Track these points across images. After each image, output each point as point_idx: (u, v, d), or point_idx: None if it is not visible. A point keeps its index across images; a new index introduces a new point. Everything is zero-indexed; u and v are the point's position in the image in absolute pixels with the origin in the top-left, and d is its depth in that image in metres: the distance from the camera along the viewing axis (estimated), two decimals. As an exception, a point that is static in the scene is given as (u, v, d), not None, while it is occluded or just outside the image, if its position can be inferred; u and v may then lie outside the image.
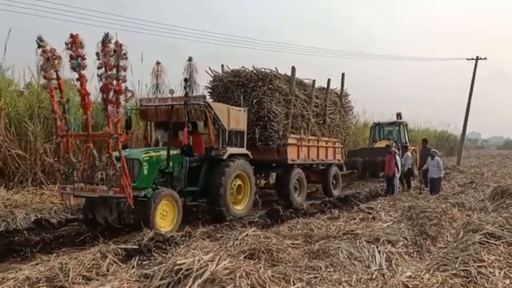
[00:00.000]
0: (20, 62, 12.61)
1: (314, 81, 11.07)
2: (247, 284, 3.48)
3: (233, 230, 6.32)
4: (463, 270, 4.34)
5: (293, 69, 10.18)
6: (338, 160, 12.47)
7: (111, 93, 5.99)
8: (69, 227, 7.31)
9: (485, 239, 5.12)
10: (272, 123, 9.58)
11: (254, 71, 9.92)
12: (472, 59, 25.27)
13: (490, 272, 4.35)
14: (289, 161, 10.05)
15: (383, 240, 5.38)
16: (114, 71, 5.94)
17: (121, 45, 5.94)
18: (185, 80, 8.33)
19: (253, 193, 8.80)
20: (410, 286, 3.95)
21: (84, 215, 7.36)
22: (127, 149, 7.43)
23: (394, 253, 5.08)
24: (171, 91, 8.67)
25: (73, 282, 4.20)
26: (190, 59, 9.42)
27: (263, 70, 9.89)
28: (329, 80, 11.87)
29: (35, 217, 7.67)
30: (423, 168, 11.88)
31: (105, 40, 5.85)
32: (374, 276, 4.22)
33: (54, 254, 5.01)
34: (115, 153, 6.20)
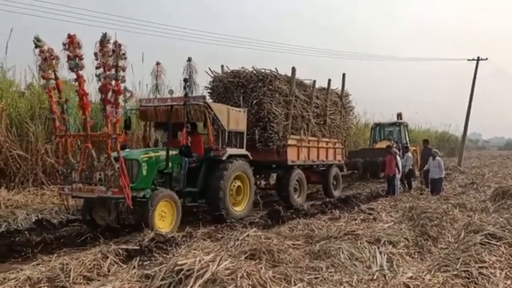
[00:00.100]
0: (21, 62, 12.64)
1: (314, 81, 11.04)
2: (248, 284, 3.48)
3: (234, 230, 6.31)
4: (464, 271, 4.34)
5: (293, 69, 10.15)
6: (339, 161, 12.43)
7: (110, 93, 5.96)
8: (70, 227, 7.32)
9: (486, 240, 5.12)
10: (272, 124, 9.54)
11: (254, 71, 9.89)
12: (473, 59, 25.27)
13: (491, 273, 4.35)
14: (289, 162, 10.01)
15: (384, 241, 5.38)
16: (113, 71, 5.92)
17: (120, 45, 5.92)
18: (185, 80, 8.28)
19: (252, 194, 8.76)
20: (411, 286, 3.94)
21: (82, 216, 7.34)
22: (126, 150, 7.42)
23: (395, 254, 5.08)
24: (171, 92, 8.65)
25: (74, 283, 4.21)
26: (189, 60, 9.39)
27: (263, 70, 9.86)
28: (329, 80, 11.83)
29: (36, 218, 7.67)
30: (424, 168, 11.88)
31: (103, 40, 5.83)
32: (375, 277, 4.22)
33: (55, 255, 5.02)
34: (114, 154, 6.17)
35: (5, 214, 7.75)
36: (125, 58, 5.99)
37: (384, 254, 4.94)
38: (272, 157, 9.78)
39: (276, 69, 9.99)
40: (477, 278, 4.24)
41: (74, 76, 6.22)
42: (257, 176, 9.98)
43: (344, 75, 12.57)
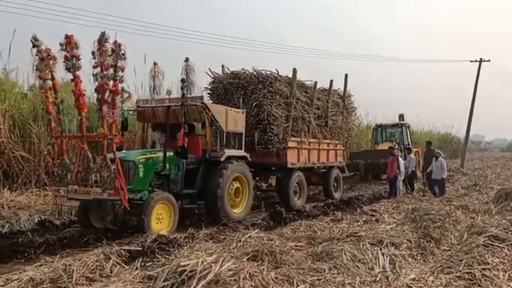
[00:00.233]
0: (24, 64, 12.68)
1: (315, 82, 10.96)
2: (251, 285, 3.48)
3: (236, 232, 6.31)
4: (467, 273, 4.33)
5: (294, 71, 10.05)
6: (340, 163, 12.37)
7: (107, 94, 5.91)
8: (73, 228, 7.33)
9: (489, 242, 5.11)
10: (272, 127, 9.47)
11: (254, 73, 9.83)
12: (476, 61, 25.21)
13: (494, 274, 4.34)
14: (289, 165, 9.91)
15: (387, 243, 5.37)
16: (111, 71, 5.87)
17: (119, 45, 5.88)
18: (182, 81, 8.12)
19: (251, 196, 8.66)
20: (414, 288, 3.94)
21: (78, 218, 7.29)
22: (123, 151, 7.38)
23: (397, 256, 5.08)
24: (168, 92, 8.60)
25: (77, 283, 4.21)
26: (187, 60, 9.35)
27: (263, 72, 9.79)
28: (331, 81, 11.77)
29: (39, 219, 7.69)
30: (427, 170, 11.84)
31: (102, 39, 5.78)
32: (378, 279, 4.21)
33: (58, 256, 5.03)
34: (110, 155, 6.11)
35: (8, 215, 7.78)
36: (125, 59, 5.95)
37: (387, 256, 4.94)
38: (272, 159, 9.72)
39: (277, 70, 9.93)
40: (480, 280, 4.24)
41: (70, 76, 6.15)
42: (257, 178, 9.92)
43: (346, 75, 12.52)
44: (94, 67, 5.89)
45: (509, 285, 4.21)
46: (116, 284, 3.89)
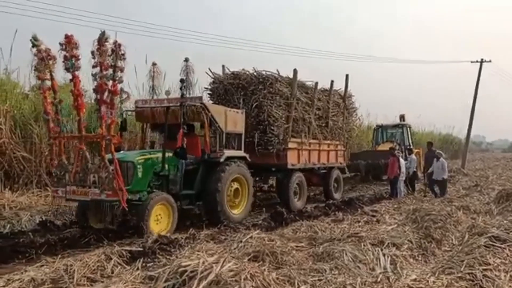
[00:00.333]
0: (25, 64, 12.65)
1: (316, 83, 10.94)
2: (252, 286, 3.48)
3: (237, 232, 6.31)
4: (468, 274, 4.33)
5: (295, 72, 10.03)
6: (340, 163, 12.34)
7: (106, 94, 5.89)
8: (74, 229, 7.33)
9: (491, 242, 5.11)
10: (272, 127, 9.44)
11: (255, 73, 9.81)
12: (477, 61, 25.21)
13: (495, 275, 4.34)
14: (289, 166, 9.88)
15: (388, 243, 5.37)
16: (110, 71, 5.85)
17: (120, 45, 5.87)
18: (181, 81, 8.14)
19: (251, 196, 8.63)
20: (415, 289, 3.94)
21: (77, 218, 7.28)
22: (121, 152, 7.35)
23: (399, 256, 5.08)
24: (167, 92, 8.60)
25: (78, 284, 4.21)
26: (186, 60, 9.33)
27: (263, 72, 9.77)
28: (332, 81, 11.77)
29: (40, 219, 7.71)
30: (428, 171, 11.83)
31: (101, 38, 5.75)
32: (379, 279, 4.21)
33: (59, 256, 5.05)
34: (108, 155, 6.09)
35: (9, 216, 7.79)
36: (124, 59, 5.93)
37: (388, 256, 4.93)
38: (272, 160, 9.69)
39: (277, 70, 9.92)
40: (481, 280, 4.23)
41: (69, 76, 6.14)
42: (257, 179, 9.90)
43: (347, 76, 12.50)
44: (93, 66, 5.87)
45: (510, 286, 4.21)
46: (117, 284, 3.89)
